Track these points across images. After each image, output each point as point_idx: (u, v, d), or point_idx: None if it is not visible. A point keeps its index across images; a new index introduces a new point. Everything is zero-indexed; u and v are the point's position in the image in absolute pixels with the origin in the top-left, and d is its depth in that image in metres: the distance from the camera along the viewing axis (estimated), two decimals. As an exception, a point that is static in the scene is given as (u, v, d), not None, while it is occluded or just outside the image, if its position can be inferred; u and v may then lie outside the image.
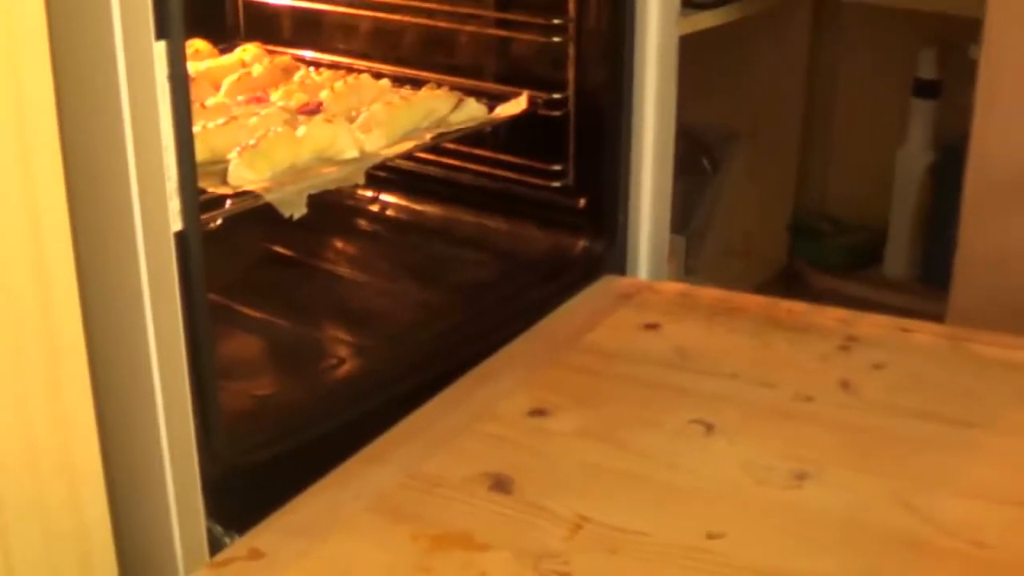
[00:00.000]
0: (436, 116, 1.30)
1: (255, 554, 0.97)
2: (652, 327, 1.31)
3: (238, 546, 0.98)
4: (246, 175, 1.12)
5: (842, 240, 2.12)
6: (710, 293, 1.39)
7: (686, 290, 1.41)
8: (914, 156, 2.02)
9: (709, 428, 1.10)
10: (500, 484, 1.04)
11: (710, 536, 0.95)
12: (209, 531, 1.01)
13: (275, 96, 1.35)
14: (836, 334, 1.26)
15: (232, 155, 1.18)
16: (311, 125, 1.21)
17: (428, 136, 1.28)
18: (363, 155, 1.22)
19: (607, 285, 1.42)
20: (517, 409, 1.16)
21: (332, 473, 1.08)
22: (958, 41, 1.90)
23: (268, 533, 1.00)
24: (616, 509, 0.99)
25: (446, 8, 1.48)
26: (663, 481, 1.03)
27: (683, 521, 0.97)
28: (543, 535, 0.96)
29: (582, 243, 1.44)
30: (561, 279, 1.37)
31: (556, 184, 1.45)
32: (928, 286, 1.73)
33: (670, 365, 1.22)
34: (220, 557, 0.97)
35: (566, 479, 1.04)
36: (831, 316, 1.31)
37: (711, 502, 1.00)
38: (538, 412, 1.15)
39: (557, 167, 1.45)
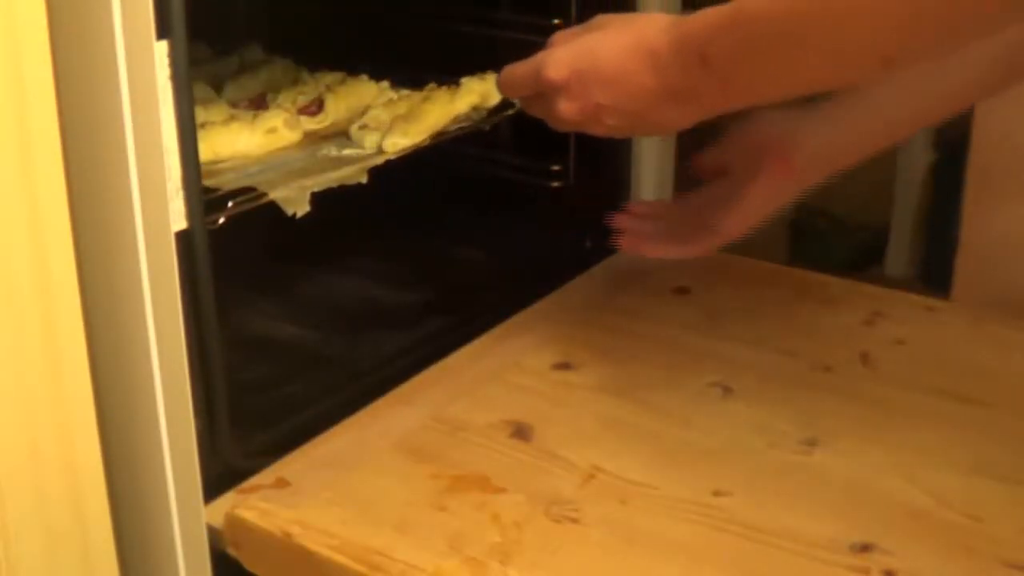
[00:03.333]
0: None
1: (281, 483, 1.02)
2: (683, 291, 1.34)
3: (265, 474, 1.02)
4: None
5: (843, 239, 2.09)
6: (743, 262, 1.41)
7: (720, 257, 1.43)
8: (915, 155, 1.99)
9: (727, 391, 1.13)
10: (520, 431, 1.08)
11: (717, 494, 0.98)
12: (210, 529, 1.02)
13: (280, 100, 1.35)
14: (862, 308, 1.28)
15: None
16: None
17: (428, 136, 1.28)
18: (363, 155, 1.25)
19: (643, 247, 1.45)
20: (543, 362, 1.19)
21: (361, 411, 1.12)
22: None
23: (295, 463, 1.04)
24: (629, 462, 1.03)
25: (445, 8, 1.47)
26: (677, 438, 1.06)
27: (692, 477, 1.00)
28: (557, 482, 0.99)
29: (582, 243, 1.45)
30: (561, 278, 1.38)
31: (556, 183, 1.45)
32: (929, 285, 1.73)
33: (696, 329, 1.25)
34: (247, 484, 1.02)
35: (584, 431, 1.07)
36: (860, 291, 1.33)
37: (721, 461, 1.03)
38: (563, 366, 1.18)
39: (557, 166, 1.44)
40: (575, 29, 1.04)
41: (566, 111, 1.00)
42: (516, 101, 1.13)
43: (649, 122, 0.99)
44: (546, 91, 1.01)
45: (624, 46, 0.97)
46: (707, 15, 0.91)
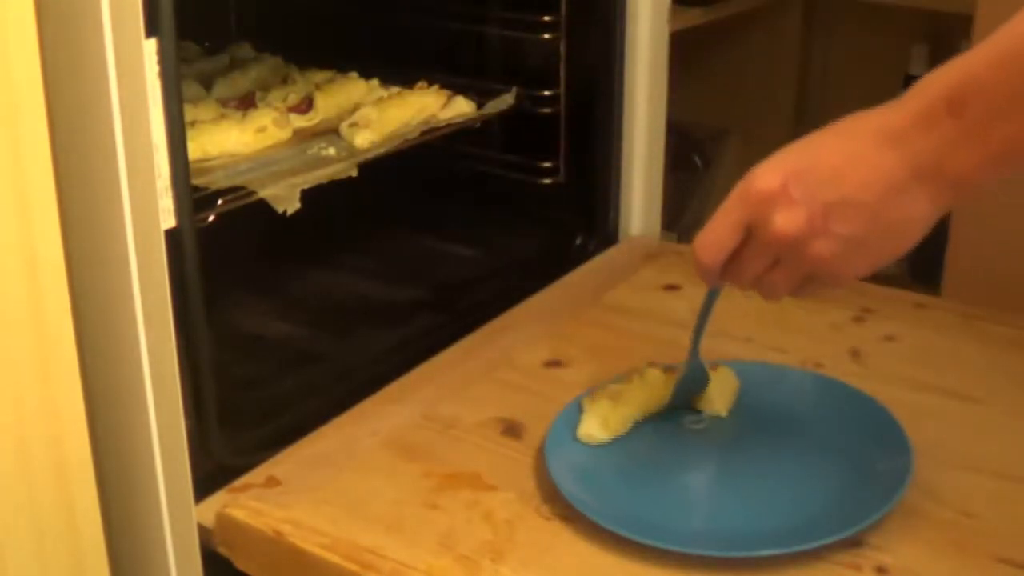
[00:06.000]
0: (426, 114, 1.30)
1: (272, 482, 1.01)
2: (673, 288, 1.34)
3: (256, 473, 1.02)
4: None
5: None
6: (733, 258, 1.41)
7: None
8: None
9: (718, 388, 1.12)
10: (511, 429, 1.07)
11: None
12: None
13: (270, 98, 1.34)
14: (852, 305, 1.28)
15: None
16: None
17: (418, 132, 1.28)
18: (354, 150, 1.24)
19: (632, 244, 1.45)
20: (534, 359, 1.19)
21: (351, 410, 1.12)
22: (949, 38, 1.90)
23: (286, 463, 1.04)
24: (621, 459, 1.03)
25: (434, 5, 1.47)
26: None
27: (684, 475, 1.01)
28: (548, 479, 0.99)
29: (573, 239, 1.45)
30: (552, 275, 1.38)
31: (547, 181, 1.45)
32: (919, 282, 1.73)
33: (686, 326, 1.24)
34: (238, 483, 1.01)
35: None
36: (849, 288, 1.32)
37: (713, 458, 1.03)
38: (554, 363, 1.18)
39: (548, 164, 1.45)
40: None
41: (785, 224, 0.81)
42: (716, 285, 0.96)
43: (892, 219, 0.81)
44: (758, 212, 0.83)
45: (846, 131, 0.81)
46: (952, 65, 0.76)
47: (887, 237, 0.83)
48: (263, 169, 1.18)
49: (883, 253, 0.84)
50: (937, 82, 0.77)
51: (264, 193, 1.12)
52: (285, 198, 1.12)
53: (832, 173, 0.80)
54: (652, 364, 1.10)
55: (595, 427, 1.03)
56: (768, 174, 0.82)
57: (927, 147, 0.77)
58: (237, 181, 1.14)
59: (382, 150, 1.23)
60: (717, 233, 0.87)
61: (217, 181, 1.13)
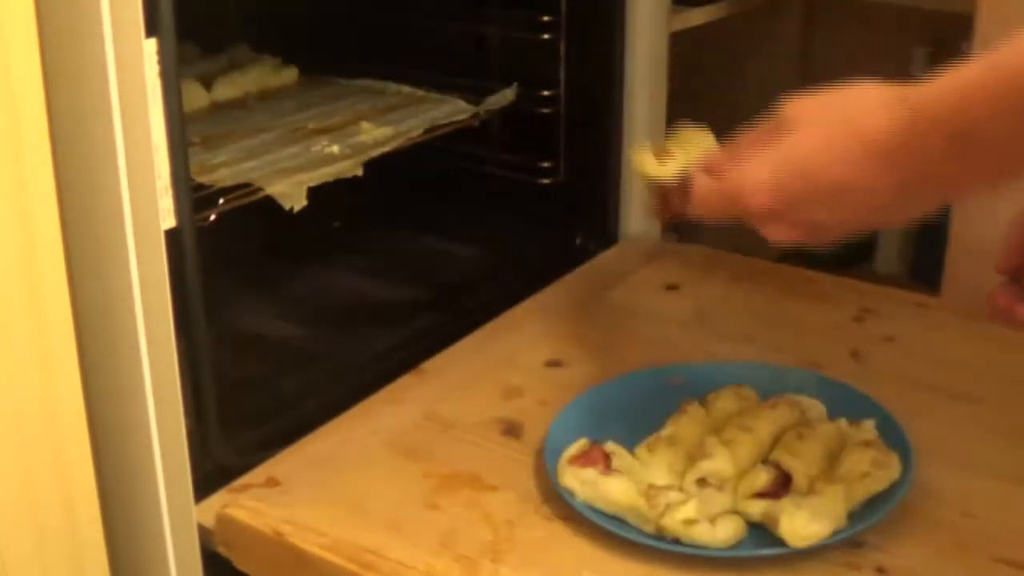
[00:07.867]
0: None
1: (272, 482, 1.01)
2: (673, 287, 1.34)
3: (256, 473, 1.02)
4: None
5: (832, 236, 2.09)
6: (733, 258, 1.41)
7: (710, 253, 1.43)
8: (905, 151, 2.00)
9: (718, 387, 1.12)
10: (511, 429, 1.07)
11: (708, 490, 0.98)
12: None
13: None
14: (853, 305, 1.28)
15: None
16: None
17: (419, 131, 1.28)
18: (357, 148, 1.24)
19: (632, 244, 1.45)
20: (535, 359, 1.19)
21: (351, 410, 1.11)
22: (950, 39, 1.89)
23: (286, 462, 1.04)
24: (621, 459, 1.02)
25: (436, 5, 1.47)
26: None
27: (684, 475, 1.00)
28: (548, 479, 0.99)
29: (573, 239, 1.45)
30: (552, 275, 1.38)
31: (547, 180, 1.45)
32: (919, 281, 1.73)
33: (687, 326, 1.25)
34: (238, 483, 1.01)
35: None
36: (850, 288, 1.33)
37: (713, 458, 1.03)
38: (554, 363, 1.18)
39: (548, 164, 1.45)
40: (757, 131, 0.88)
41: (776, 236, 0.83)
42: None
43: (882, 222, 0.85)
44: (750, 219, 0.84)
45: (837, 149, 0.79)
46: (941, 84, 0.75)
47: (875, 227, 0.90)
48: (268, 167, 1.18)
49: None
50: (935, 108, 0.75)
51: (271, 190, 1.12)
52: (291, 195, 1.12)
53: (825, 198, 0.80)
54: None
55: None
56: (759, 193, 0.82)
57: (928, 175, 0.77)
58: (242, 179, 1.14)
59: (384, 149, 1.23)
60: (710, 210, 0.90)
61: (223, 178, 1.13)
